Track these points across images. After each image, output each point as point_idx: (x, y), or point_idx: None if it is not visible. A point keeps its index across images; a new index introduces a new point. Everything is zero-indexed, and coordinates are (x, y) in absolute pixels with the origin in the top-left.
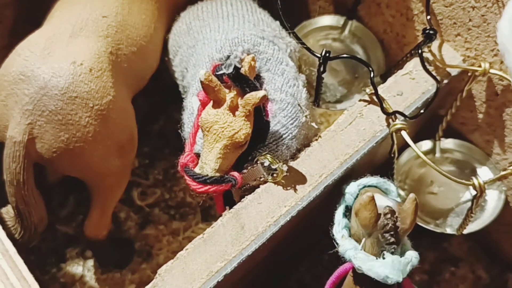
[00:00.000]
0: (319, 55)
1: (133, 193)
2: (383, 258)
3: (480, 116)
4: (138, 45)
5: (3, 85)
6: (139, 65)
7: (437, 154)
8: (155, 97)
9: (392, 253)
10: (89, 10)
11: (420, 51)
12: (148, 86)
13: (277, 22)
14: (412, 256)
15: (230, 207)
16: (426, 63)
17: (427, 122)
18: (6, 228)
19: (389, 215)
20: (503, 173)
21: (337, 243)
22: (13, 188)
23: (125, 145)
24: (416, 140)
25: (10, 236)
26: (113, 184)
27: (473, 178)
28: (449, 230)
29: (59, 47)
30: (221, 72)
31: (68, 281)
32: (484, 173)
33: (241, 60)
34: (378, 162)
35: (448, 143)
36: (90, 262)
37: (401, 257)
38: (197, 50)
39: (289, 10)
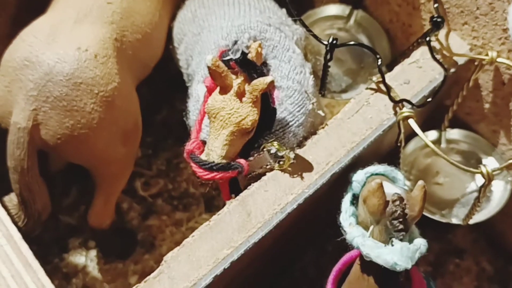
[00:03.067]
0: (326, 43)
1: (136, 183)
2: (392, 245)
3: (487, 106)
4: (143, 32)
5: (7, 71)
6: (143, 52)
7: (443, 145)
8: (158, 87)
9: (401, 240)
10: None
11: (428, 39)
12: (152, 75)
13: (283, 10)
14: (420, 244)
15: (236, 195)
16: (433, 52)
17: (433, 112)
18: (10, 216)
19: (397, 202)
20: (510, 161)
21: (344, 231)
22: (17, 174)
23: (130, 133)
24: (422, 130)
25: (14, 224)
26: (117, 172)
27: (481, 166)
28: (454, 221)
29: (63, 33)
30: (228, 57)
31: (70, 271)
32: (490, 164)
33: (248, 47)
34: (384, 151)
35: (454, 133)
36: (93, 252)
37: (409, 244)
38: (202, 37)
39: (296, 0)
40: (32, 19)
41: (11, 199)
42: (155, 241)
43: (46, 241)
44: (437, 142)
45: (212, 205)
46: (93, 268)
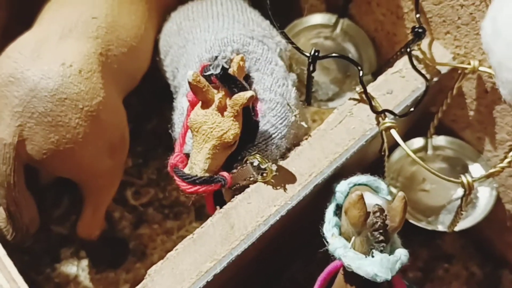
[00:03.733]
0: (308, 55)
1: (127, 192)
2: (372, 257)
3: (471, 113)
4: (129, 46)
5: None
6: (129, 65)
7: (429, 151)
8: (148, 96)
9: (381, 251)
10: (78, 12)
11: (409, 49)
12: (141, 85)
13: (267, 22)
14: (401, 254)
15: (221, 207)
16: (416, 61)
17: (419, 119)
18: None
19: (378, 214)
20: (491, 170)
21: (327, 242)
22: (3, 190)
23: (116, 146)
24: (408, 137)
25: (2, 237)
26: (104, 184)
27: (462, 176)
28: (440, 228)
29: (48, 49)
30: (209, 72)
31: (62, 281)
32: (476, 170)
33: (230, 60)
34: (370, 160)
35: (440, 140)
36: (85, 262)
37: (390, 255)
38: (187, 50)
39: (281, 9)
40: (22, 31)
41: (0, 212)
42: (147, 249)
43: (38, 251)
44: (423, 149)
45: (203, 213)
46: (85, 278)
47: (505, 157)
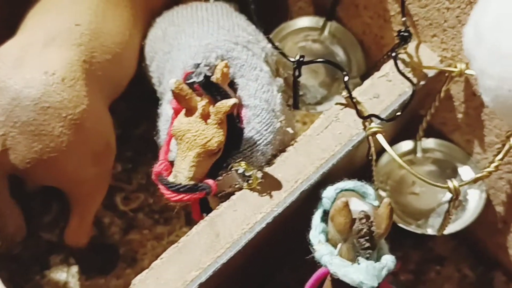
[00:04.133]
0: (293, 60)
1: (116, 198)
2: (358, 264)
3: (460, 116)
4: (113, 53)
5: None
6: (114, 72)
7: (418, 154)
8: (136, 101)
9: (368, 258)
10: (62, 19)
11: (394, 54)
12: (129, 90)
13: (253, 26)
14: (387, 261)
15: (207, 214)
16: (402, 65)
17: (408, 122)
18: None
19: (364, 220)
20: (478, 175)
21: (313, 249)
22: None
23: (101, 153)
24: (397, 140)
25: None
26: (90, 192)
27: (448, 181)
28: (430, 231)
29: (31, 57)
30: (191, 80)
31: None
32: (466, 173)
33: (214, 67)
34: (358, 164)
35: (429, 142)
36: (74, 269)
37: (377, 261)
38: (172, 56)
39: (269, 12)
40: (6, 35)
41: None
42: (137, 255)
43: (26, 258)
44: (412, 151)
45: (193, 218)
46: (75, 284)
47: (493, 161)
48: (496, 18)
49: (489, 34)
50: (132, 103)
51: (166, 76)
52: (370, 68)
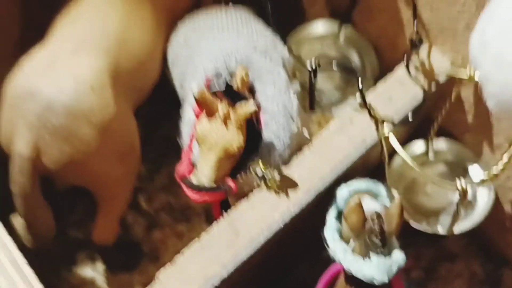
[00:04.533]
0: (309, 68)
1: (139, 197)
2: (370, 260)
3: (470, 118)
4: (139, 59)
5: (8, 102)
6: (140, 78)
7: (430, 155)
8: (159, 103)
9: (379, 254)
10: (90, 27)
11: (406, 60)
12: (152, 93)
13: (271, 32)
14: (398, 257)
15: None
16: (414, 69)
17: (420, 124)
18: (16, 237)
19: (376, 219)
20: (484, 178)
21: (328, 246)
22: (21, 200)
23: (127, 155)
24: (409, 141)
25: (20, 244)
26: (117, 192)
27: (457, 180)
28: (441, 230)
29: (61, 64)
30: (213, 85)
31: (79, 283)
32: (476, 173)
33: (234, 72)
34: (373, 165)
35: (441, 143)
36: (100, 265)
37: (388, 258)
38: (193, 61)
39: (286, 16)
40: (34, 39)
41: (17, 220)
42: (159, 252)
43: (55, 255)
44: (424, 153)
45: (213, 217)
46: (101, 280)
47: (500, 162)
48: (500, 26)
49: (494, 42)
50: (155, 105)
51: (188, 80)
52: (384, 72)
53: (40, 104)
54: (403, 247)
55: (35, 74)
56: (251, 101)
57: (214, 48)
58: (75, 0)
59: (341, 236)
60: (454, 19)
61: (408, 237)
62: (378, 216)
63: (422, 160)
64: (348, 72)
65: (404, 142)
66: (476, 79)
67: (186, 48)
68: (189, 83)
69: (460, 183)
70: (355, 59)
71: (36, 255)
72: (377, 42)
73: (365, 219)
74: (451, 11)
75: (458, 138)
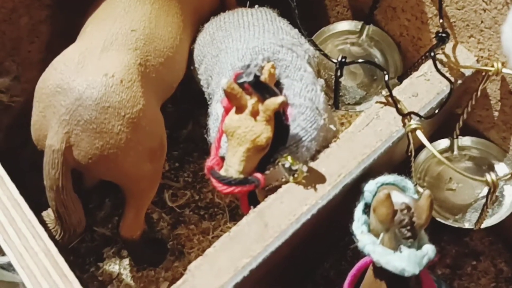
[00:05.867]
0: (335, 61)
1: (164, 195)
2: (400, 252)
3: (496, 114)
4: (165, 56)
5: (41, 98)
6: (166, 75)
7: (455, 152)
8: (183, 104)
9: (409, 247)
10: (118, 25)
11: (433, 54)
12: (177, 93)
13: (296, 30)
14: (428, 250)
15: (255, 207)
16: (440, 65)
17: (445, 120)
18: (47, 230)
19: (405, 211)
20: None
21: (356, 239)
22: (53, 193)
23: (156, 151)
24: (434, 138)
25: (51, 237)
26: (145, 187)
27: (487, 174)
28: (467, 225)
29: (91, 60)
30: (242, 80)
31: (105, 279)
32: (502, 169)
33: (261, 68)
34: (397, 160)
35: (466, 140)
36: (126, 261)
37: (418, 250)
38: (220, 59)
39: (309, 17)
40: (64, 45)
41: (49, 214)
42: (184, 249)
43: (83, 251)
44: (449, 149)
45: (237, 214)
46: (127, 276)
47: None
48: None
49: None
50: (179, 106)
51: (215, 78)
52: (407, 69)
53: (71, 99)
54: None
55: (66, 71)
56: (279, 94)
57: (241, 46)
58: (105, 1)
59: (369, 229)
60: (480, 15)
61: (432, 234)
62: (408, 207)
63: (447, 156)
64: (372, 70)
65: (429, 138)
66: (504, 71)
67: (213, 47)
68: (217, 81)
69: (491, 176)
70: (378, 57)
71: (65, 251)
72: (400, 41)
73: (394, 211)
74: (477, 7)
75: (483, 134)
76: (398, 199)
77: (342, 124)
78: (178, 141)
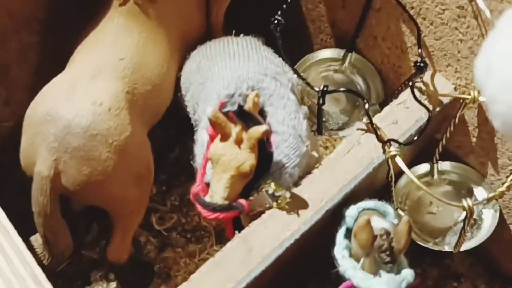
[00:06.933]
0: (317, 90)
1: (151, 218)
2: (380, 277)
3: (474, 140)
4: (153, 84)
5: (30, 125)
6: (154, 101)
7: (435, 176)
8: (170, 128)
9: (388, 271)
10: (107, 54)
11: (411, 83)
12: (164, 118)
13: (280, 58)
14: (407, 274)
15: (240, 232)
16: (419, 93)
17: (425, 145)
18: (35, 255)
19: (384, 236)
20: (491, 195)
21: (338, 263)
22: (41, 219)
23: (142, 175)
24: (415, 163)
25: (39, 262)
26: (132, 211)
27: (463, 200)
28: (447, 248)
29: (80, 88)
30: (226, 109)
31: None
32: (480, 193)
33: (246, 96)
34: (379, 185)
35: (445, 165)
36: (113, 284)
37: (397, 275)
38: (206, 86)
39: (294, 44)
40: (53, 69)
41: (37, 239)
42: (171, 272)
43: (70, 274)
44: (429, 173)
45: (223, 237)
46: None
47: (505, 182)
48: (505, 52)
49: (500, 63)
50: (167, 130)
51: (201, 105)
52: (388, 96)
53: (59, 127)
54: (410, 266)
55: (55, 99)
56: (263, 122)
57: (226, 74)
58: (94, 29)
59: (351, 254)
60: (457, 45)
61: (414, 257)
62: (387, 233)
63: (427, 180)
64: (354, 97)
65: (409, 163)
66: (481, 99)
67: (199, 75)
68: (203, 108)
69: (467, 202)
70: (360, 84)
71: (52, 274)
72: (381, 68)
73: (374, 237)
74: (454, 38)
75: (462, 159)
76: (378, 224)
77: (326, 147)
78: (165, 165)
